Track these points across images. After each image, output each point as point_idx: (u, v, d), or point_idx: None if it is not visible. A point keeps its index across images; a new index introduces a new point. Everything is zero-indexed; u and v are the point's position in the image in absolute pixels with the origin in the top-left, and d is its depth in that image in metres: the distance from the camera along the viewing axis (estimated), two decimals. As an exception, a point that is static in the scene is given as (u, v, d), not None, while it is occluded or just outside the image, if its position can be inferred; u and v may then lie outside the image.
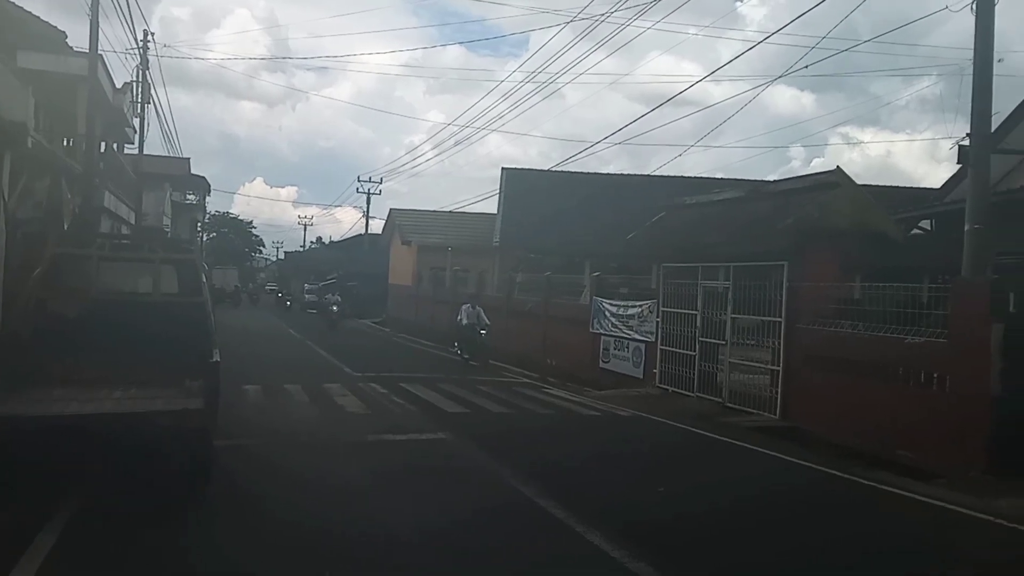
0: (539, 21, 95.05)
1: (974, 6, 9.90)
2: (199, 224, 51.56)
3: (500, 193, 31.23)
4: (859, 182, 20.47)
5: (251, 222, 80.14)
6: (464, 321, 18.19)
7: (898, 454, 8.91)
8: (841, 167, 12.79)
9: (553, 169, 29.00)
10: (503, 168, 32.12)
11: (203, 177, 46.54)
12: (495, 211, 31.98)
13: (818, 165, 72.74)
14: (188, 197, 45.87)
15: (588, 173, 31.96)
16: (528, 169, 33.03)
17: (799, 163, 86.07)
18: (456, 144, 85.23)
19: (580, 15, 32.87)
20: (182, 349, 6.63)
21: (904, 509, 7.04)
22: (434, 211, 38.27)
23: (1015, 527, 6.38)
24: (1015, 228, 12.77)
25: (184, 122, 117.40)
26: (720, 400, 12.21)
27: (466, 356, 17.91)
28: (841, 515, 6.89)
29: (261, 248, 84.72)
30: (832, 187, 11.62)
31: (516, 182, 30.85)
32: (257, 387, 12.05)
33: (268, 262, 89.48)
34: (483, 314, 18.25)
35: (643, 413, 11.68)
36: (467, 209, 36.04)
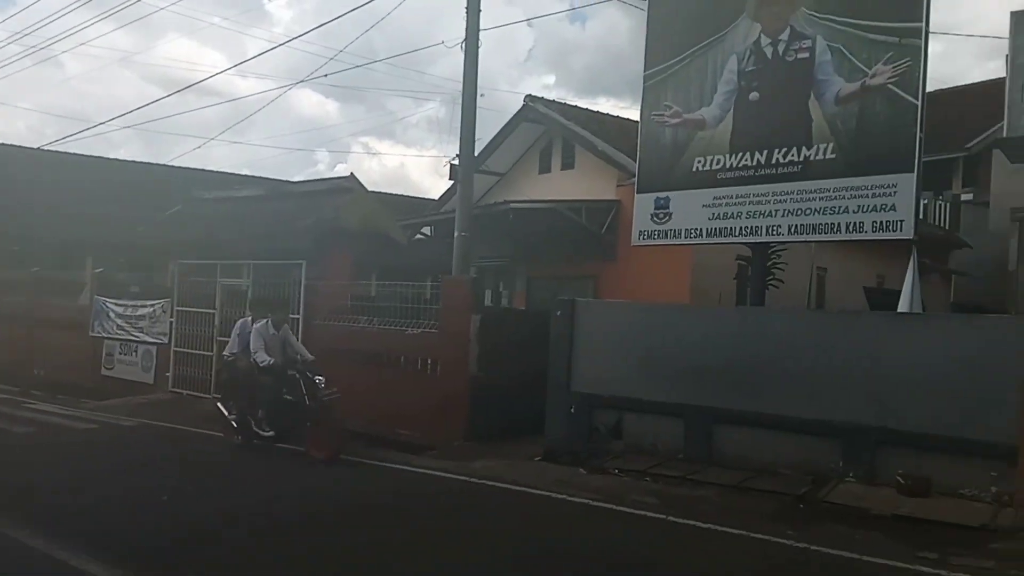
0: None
1: (463, 46, 11.64)
2: None
3: (-30, 171, 25.41)
4: (378, 190, 22.25)
5: None
6: (262, 359, 8.69)
7: (400, 434, 9.97)
8: (355, 174, 13.79)
9: (47, 148, 24.74)
10: (-25, 140, 26.24)
11: None
12: (-38, 192, 25.91)
13: (342, 170, 76.70)
14: None
15: (94, 156, 28.10)
16: (12, 145, 27.62)
17: (324, 167, 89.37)
18: (-98, 102, 66.05)
19: (83, -24, 28.59)
20: None
21: (396, 478, 7.96)
22: None
23: (483, 482, 7.71)
24: (493, 236, 15.40)
25: None
26: (239, 400, 12.02)
27: (268, 432, 8.77)
28: (343, 489, 7.46)
29: None
30: (347, 192, 12.45)
31: (-6, 159, 25.47)
32: None
33: None
34: (293, 339, 9.52)
35: (152, 421, 10.85)
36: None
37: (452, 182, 15.53)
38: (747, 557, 5.57)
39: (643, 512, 6.61)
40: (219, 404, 9.44)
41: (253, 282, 12.36)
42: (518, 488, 7.46)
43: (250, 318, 9.45)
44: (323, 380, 8.43)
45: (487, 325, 10.06)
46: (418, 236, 17.37)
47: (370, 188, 17.95)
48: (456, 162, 12.38)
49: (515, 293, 16.69)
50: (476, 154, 14.34)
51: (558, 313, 9.45)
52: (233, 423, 9.12)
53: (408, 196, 28.85)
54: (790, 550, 5.63)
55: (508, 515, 6.74)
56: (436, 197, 21.59)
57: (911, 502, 6.70)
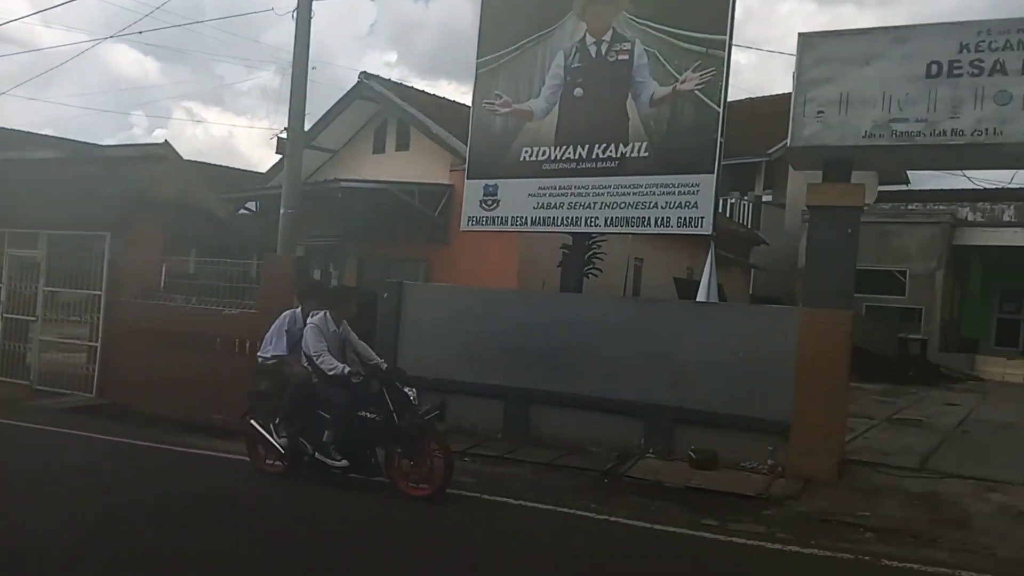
0: None
1: (295, 15, 11.17)
2: None
3: None
4: (202, 159, 20.91)
5: None
6: (330, 364, 6.59)
7: (213, 418, 9.51)
8: (178, 141, 12.93)
9: None
10: None
11: None
12: None
13: (162, 135, 71.11)
14: None
15: None
16: None
17: (141, 131, 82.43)
18: None
19: None
20: None
21: (208, 466, 7.62)
22: None
23: (299, 467, 7.53)
24: (324, 214, 15.01)
25: None
26: (29, 383, 10.97)
27: (339, 462, 6.59)
28: (148, 479, 7.02)
29: None
30: (160, 160, 11.59)
31: None
32: None
33: None
34: (356, 338, 7.17)
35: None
36: None
37: (280, 156, 14.94)
38: (552, 530, 5.88)
39: (459, 491, 6.75)
40: (253, 421, 7.05)
41: (48, 254, 11.27)
42: (336, 472, 7.36)
43: (298, 309, 7.33)
44: (415, 393, 6.61)
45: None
46: (242, 211, 16.55)
47: (195, 157, 16.90)
48: (284, 136, 11.90)
49: (346, 274, 16.39)
50: (307, 129, 13.89)
51: (385, 296, 9.42)
52: (280, 447, 6.86)
53: (236, 168, 27.38)
54: (591, 522, 6.03)
55: (320, 499, 6.64)
56: (266, 170, 20.66)
57: (700, 474, 7.37)
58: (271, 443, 6.93)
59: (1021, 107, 6.80)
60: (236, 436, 8.74)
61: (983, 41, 6.95)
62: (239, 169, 26.89)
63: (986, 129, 6.87)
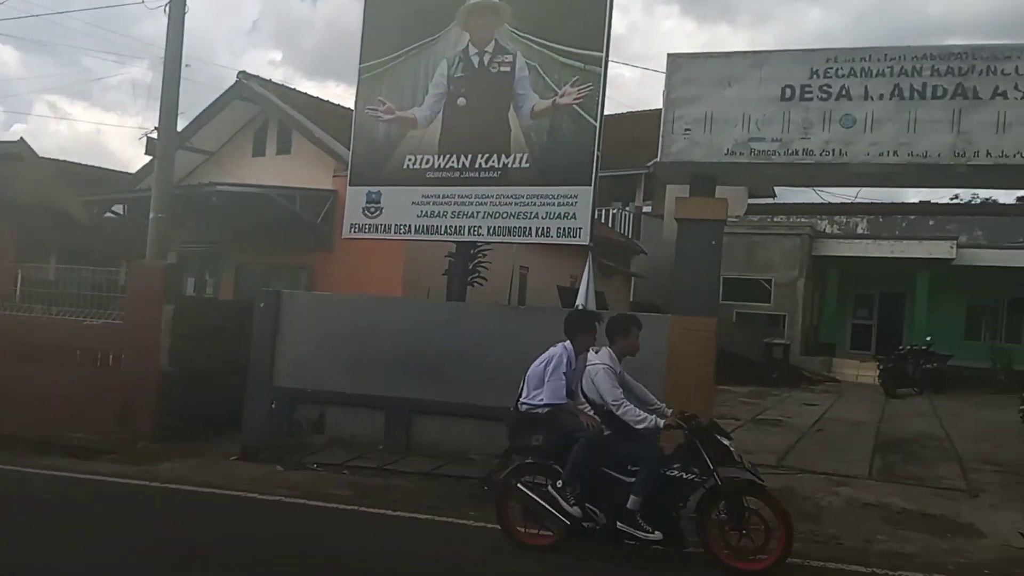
0: None
1: (167, 9, 10.67)
2: None
3: None
4: (68, 158, 19.52)
5: None
6: (636, 416, 5.48)
7: (73, 437, 8.90)
8: (40, 137, 12.02)
9: None
10: None
11: None
12: None
13: (20, 131, 65.81)
14: None
15: None
16: None
17: (-2, 126, 76.14)
18: None
19: None
20: None
21: (65, 488, 7.11)
22: None
23: (166, 486, 7.19)
24: (198, 219, 14.37)
25: None
26: None
27: (650, 534, 5.40)
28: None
29: None
30: (16, 159, 10.77)
31: None
32: None
33: None
34: (630, 378, 5.95)
35: None
36: None
37: (151, 157, 14.20)
38: (428, 540, 5.88)
39: (336, 505, 6.66)
40: (521, 486, 5.73)
41: None
42: (206, 490, 7.08)
43: (568, 343, 6.01)
44: (733, 444, 5.49)
45: (182, 316, 9.35)
46: (109, 214, 15.60)
47: (58, 155, 15.77)
48: (155, 135, 11.32)
49: (223, 281, 15.72)
50: (180, 129, 13.27)
51: (262, 305, 9.12)
52: (567, 516, 5.55)
53: (103, 168, 25.70)
54: (468, 529, 6.08)
55: (183, 518, 6.35)
56: (135, 171, 19.51)
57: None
58: (547, 510, 5.61)
59: (863, 130, 7.43)
60: (99, 456, 8.28)
61: (831, 68, 7.55)
62: (107, 169, 25.18)
63: (833, 150, 7.46)
